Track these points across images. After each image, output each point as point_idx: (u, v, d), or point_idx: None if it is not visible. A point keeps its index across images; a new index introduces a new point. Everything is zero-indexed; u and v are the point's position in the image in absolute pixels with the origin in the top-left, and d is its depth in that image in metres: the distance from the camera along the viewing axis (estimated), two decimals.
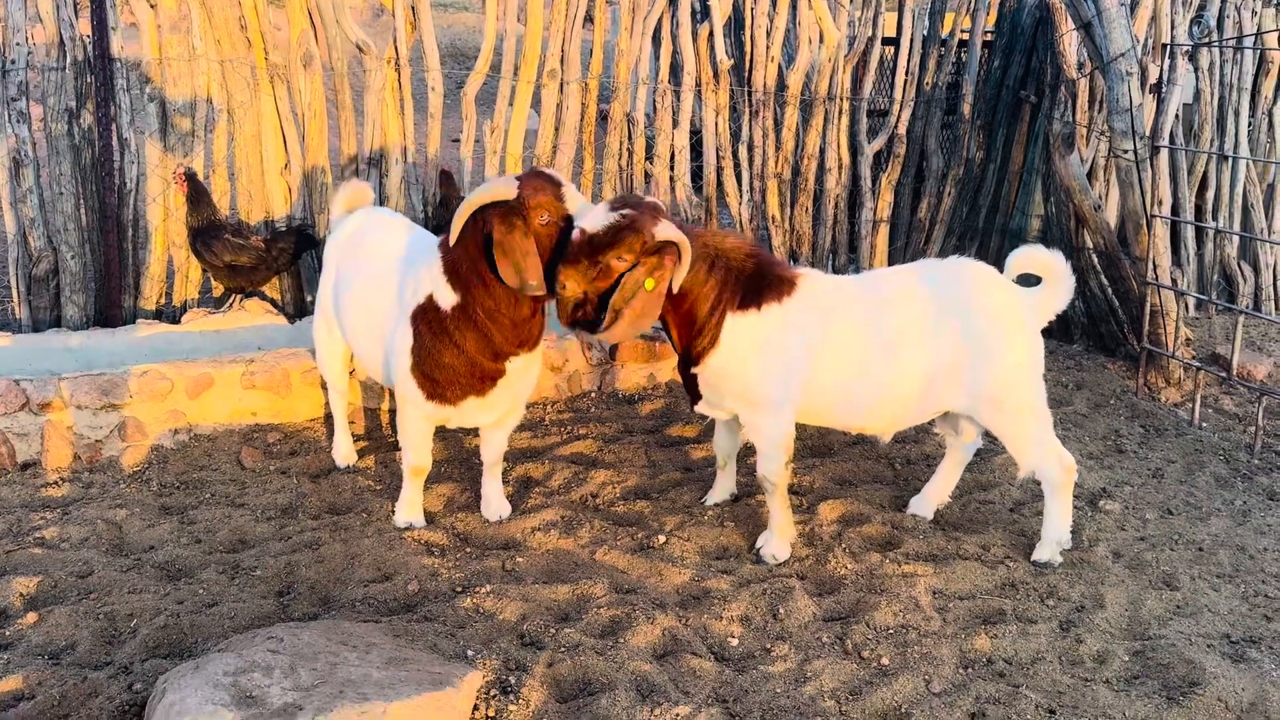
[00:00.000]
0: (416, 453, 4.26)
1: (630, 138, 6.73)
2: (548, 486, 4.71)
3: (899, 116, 7.26)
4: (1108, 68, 5.71)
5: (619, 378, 5.92)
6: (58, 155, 5.68)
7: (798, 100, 7.00)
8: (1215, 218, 7.52)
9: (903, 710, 3.25)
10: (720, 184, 6.98)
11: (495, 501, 4.44)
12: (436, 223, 6.25)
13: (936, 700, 3.30)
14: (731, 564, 4.11)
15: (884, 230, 7.38)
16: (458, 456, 5.04)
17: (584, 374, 5.84)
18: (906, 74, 7.20)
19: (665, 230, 3.63)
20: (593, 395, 5.86)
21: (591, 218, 3.62)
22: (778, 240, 7.15)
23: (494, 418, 4.21)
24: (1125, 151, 5.75)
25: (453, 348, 3.86)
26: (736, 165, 7.00)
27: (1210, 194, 7.62)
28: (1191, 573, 4.15)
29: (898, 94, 7.24)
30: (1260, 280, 7.70)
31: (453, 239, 3.82)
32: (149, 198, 5.86)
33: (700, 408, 4.16)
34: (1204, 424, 5.72)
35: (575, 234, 3.61)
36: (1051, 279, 4.07)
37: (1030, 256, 4.10)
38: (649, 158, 6.83)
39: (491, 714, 3.14)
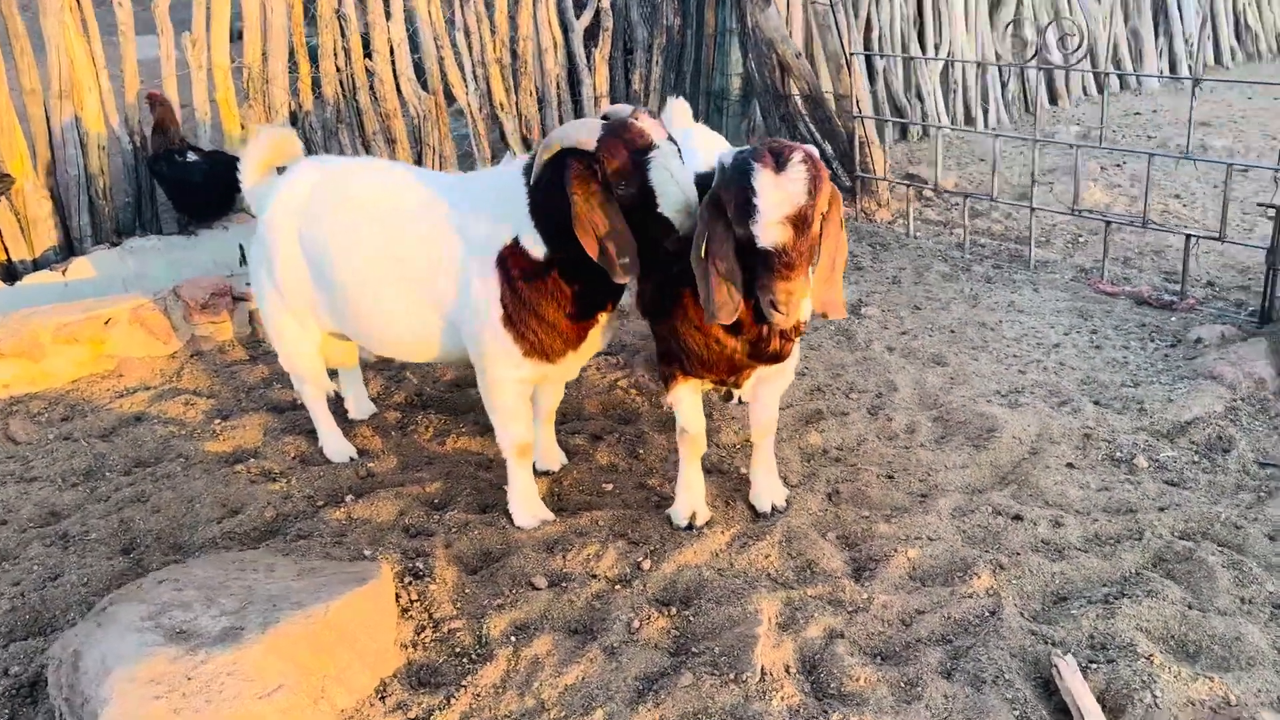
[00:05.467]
0: (518, 424, 3.53)
1: (344, 35, 6.45)
2: (370, 392, 4.63)
3: None
4: None
5: None
6: None
7: None
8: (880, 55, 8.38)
9: (774, 504, 3.62)
10: (444, 74, 6.88)
11: (554, 451, 3.99)
12: (153, 152, 5.77)
13: (799, 489, 3.72)
14: (576, 424, 4.30)
15: (605, 105, 7.60)
16: (252, 384, 4.80)
17: None
18: None
19: (811, 148, 2.84)
20: None
21: (780, 186, 2.69)
22: (510, 127, 7.19)
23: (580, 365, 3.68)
24: None
25: (553, 302, 3.23)
26: (456, 54, 6.92)
27: (875, 34, 8.47)
28: (952, 350, 4.85)
29: None
30: (925, 107, 8.72)
31: (534, 175, 3.17)
32: None
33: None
34: (918, 234, 6.53)
35: (775, 226, 2.69)
36: None
37: None
38: (367, 54, 6.59)
39: (414, 597, 3.18)
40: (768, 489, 3.60)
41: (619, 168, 2.96)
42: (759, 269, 2.73)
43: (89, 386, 4.79)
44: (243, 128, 6.24)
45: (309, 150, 6.37)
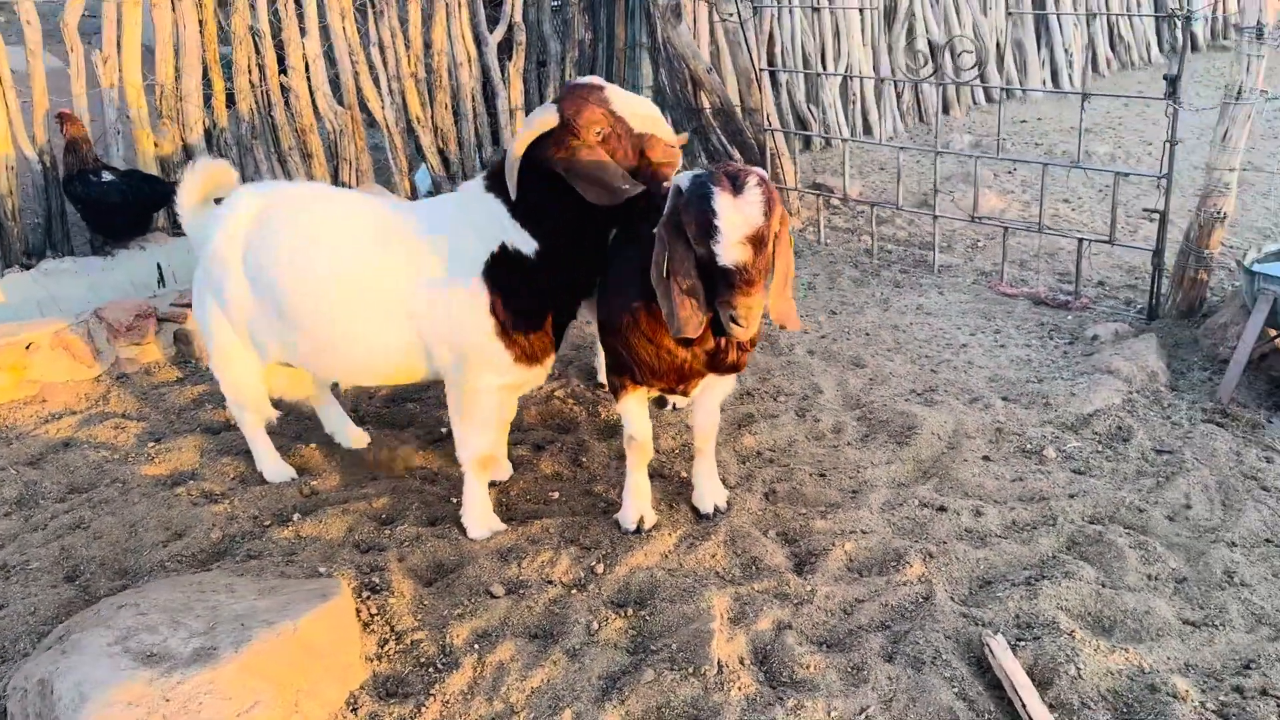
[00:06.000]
0: (487, 436, 3.59)
1: (259, 51, 6.42)
2: (300, 412, 4.64)
3: (513, 5, 7.54)
4: None
5: None
6: None
7: None
8: (783, 69, 8.67)
9: (716, 505, 3.79)
10: (359, 89, 6.88)
11: (503, 462, 4.05)
12: (68, 172, 5.66)
13: (738, 490, 3.89)
14: (517, 435, 4.40)
15: (521, 117, 7.70)
16: (183, 406, 4.77)
17: None
18: None
19: (762, 171, 3.01)
20: None
21: (739, 209, 2.83)
22: (426, 140, 7.23)
23: None
24: (730, 15, 6.51)
25: (540, 302, 3.39)
26: (372, 69, 6.93)
27: (779, 49, 8.75)
28: (869, 352, 5.10)
29: None
30: (826, 118, 9.04)
31: (514, 189, 3.27)
32: None
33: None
34: (828, 241, 6.80)
35: (735, 246, 2.83)
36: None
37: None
38: (283, 70, 6.56)
39: (374, 611, 3.25)
40: (710, 491, 3.76)
41: (589, 114, 3.16)
42: (720, 286, 2.90)
43: (11, 413, 4.69)
44: (156, 145, 6.16)
45: None
